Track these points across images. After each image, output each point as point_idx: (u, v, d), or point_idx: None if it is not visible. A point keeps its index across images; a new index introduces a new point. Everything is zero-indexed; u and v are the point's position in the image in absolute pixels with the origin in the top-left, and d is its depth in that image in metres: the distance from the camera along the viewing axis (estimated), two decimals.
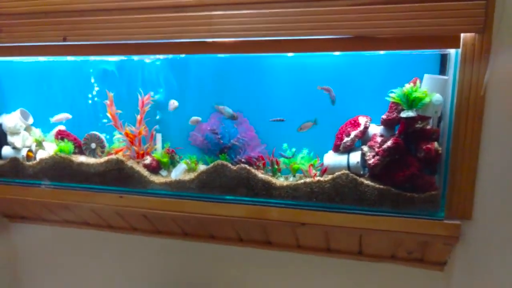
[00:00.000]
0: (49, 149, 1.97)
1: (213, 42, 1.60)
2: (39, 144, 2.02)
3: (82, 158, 1.92)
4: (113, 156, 1.84)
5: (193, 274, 2.17)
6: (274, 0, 1.49)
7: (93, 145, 1.93)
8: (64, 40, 1.72)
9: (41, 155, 1.97)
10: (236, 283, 2.12)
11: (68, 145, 1.93)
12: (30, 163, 1.96)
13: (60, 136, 1.98)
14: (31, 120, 2.05)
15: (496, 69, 1.38)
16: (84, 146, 1.96)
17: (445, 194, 1.52)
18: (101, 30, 1.66)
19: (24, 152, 1.99)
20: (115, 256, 2.27)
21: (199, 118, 1.80)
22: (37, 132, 2.05)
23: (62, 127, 2.03)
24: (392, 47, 1.46)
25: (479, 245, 1.62)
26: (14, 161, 1.98)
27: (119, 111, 1.87)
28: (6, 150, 2.02)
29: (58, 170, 1.92)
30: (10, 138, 1.99)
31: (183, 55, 1.77)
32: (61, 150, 1.93)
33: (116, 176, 1.84)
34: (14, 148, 2.00)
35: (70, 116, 1.99)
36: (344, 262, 1.89)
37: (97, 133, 1.93)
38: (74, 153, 1.97)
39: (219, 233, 1.97)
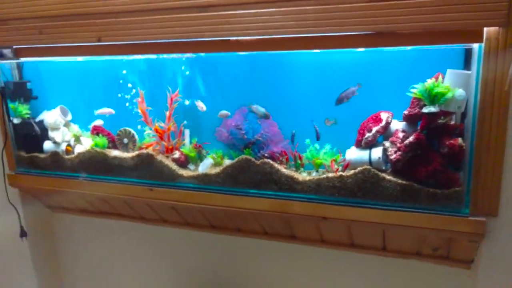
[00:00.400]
0: (86, 143, 2.09)
1: (236, 40, 1.64)
2: (77, 139, 2.14)
3: (115, 152, 2.02)
4: (144, 151, 1.93)
5: (220, 265, 2.24)
6: None
7: (126, 140, 2.03)
8: (99, 40, 1.82)
9: (78, 149, 2.09)
10: (261, 275, 2.17)
11: (102, 140, 2.04)
12: (69, 156, 2.09)
13: (96, 131, 2.10)
14: (69, 117, 2.19)
15: None
16: (117, 141, 2.06)
17: (470, 190, 1.50)
18: (131, 30, 1.74)
19: (63, 146, 2.12)
20: (147, 246, 2.38)
21: (228, 113, 1.86)
22: (75, 128, 2.18)
23: (100, 122, 2.14)
24: (414, 42, 1.45)
25: (506, 242, 1.58)
26: (54, 155, 2.11)
27: (149, 108, 1.96)
28: (47, 145, 2.16)
29: (94, 164, 2.04)
30: (50, 133, 2.13)
31: (203, 54, 1.84)
32: (96, 145, 2.04)
33: (147, 169, 1.94)
34: (55, 142, 2.13)
35: (113, 112, 2.08)
36: (368, 257, 1.90)
37: (129, 128, 2.02)
38: (108, 147, 2.08)
39: (245, 226, 2.02)
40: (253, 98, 1.82)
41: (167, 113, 1.92)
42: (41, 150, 2.18)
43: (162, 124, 1.93)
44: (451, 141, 1.49)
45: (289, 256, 2.06)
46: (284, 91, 1.80)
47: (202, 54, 1.82)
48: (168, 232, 2.25)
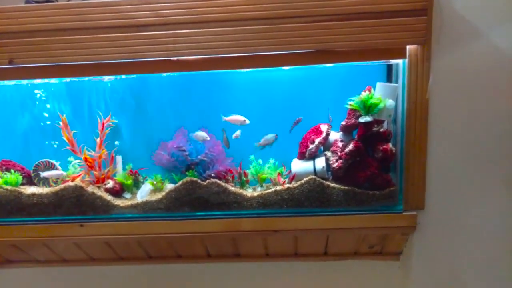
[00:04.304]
0: None
1: (177, 60, 1.61)
2: None
3: (33, 189, 1.78)
4: (71, 183, 1.73)
5: None
6: (237, 18, 1.55)
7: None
8: (10, 63, 1.60)
9: None
10: None
11: (15, 176, 1.78)
12: None
13: (5, 167, 1.82)
14: None
15: (437, 74, 1.59)
16: (34, 175, 1.82)
17: (402, 188, 1.69)
18: (53, 51, 1.58)
19: None
20: None
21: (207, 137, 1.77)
22: None
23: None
24: (348, 59, 1.60)
25: (431, 232, 1.81)
26: None
27: (75, 131, 1.78)
28: None
29: (4, 204, 1.76)
30: None
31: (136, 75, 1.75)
32: (6, 183, 1.77)
33: (75, 204, 1.74)
34: None
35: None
36: (310, 264, 1.98)
37: (50, 160, 1.80)
38: (22, 184, 1.82)
39: (187, 252, 1.95)
40: (191, 118, 1.80)
41: (98, 140, 1.76)
42: None
43: (92, 153, 1.77)
44: (384, 146, 1.67)
45: (233, 276, 2.04)
46: (223, 109, 1.80)
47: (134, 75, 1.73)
48: (96, 271, 2.04)
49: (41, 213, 1.76)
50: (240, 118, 1.77)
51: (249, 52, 1.57)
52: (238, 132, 1.75)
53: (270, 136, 1.78)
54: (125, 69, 1.63)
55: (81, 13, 1.56)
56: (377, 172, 1.67)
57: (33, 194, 1.75)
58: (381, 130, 1.69)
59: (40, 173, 1.81)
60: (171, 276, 2.06)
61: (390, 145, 1.68)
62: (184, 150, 1.73)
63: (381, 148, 1.66)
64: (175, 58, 1.60)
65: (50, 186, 1.81)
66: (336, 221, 1.70)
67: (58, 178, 1.80)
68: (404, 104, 1.63)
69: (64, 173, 1.82)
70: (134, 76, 1.74)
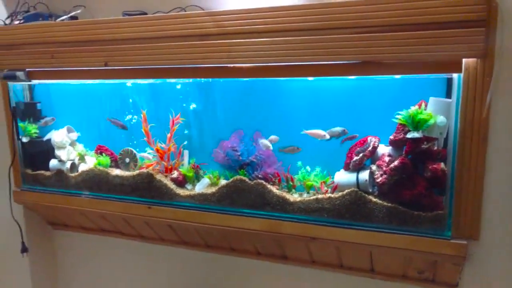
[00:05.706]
0: (90, 162, 2.19)
1: (233, 67, 1.76)
2: (82, 158, 2.24)
3: (117, 171, 2.11)
4: (144, 170, 2.02)
5: (214, 284, 2.28)
6: (287, 29, 1.62)
7: (127, 160, 2.13)
8: (106, 65, 1.94)
9: (82, 167, 2.19)
10: None
11: (106, 159, 2.14)
12: (73, 174, 2.19)
13: (99, 151, 2.20)
14: (75, 136, 2.29)
15: (498, 92, 1.44)
16: (119, 160, 2.16)
17: (452, 213, 1.56)
18: (136, 56, 1.86)
19: (68, 164, 2.22)
20: (145, 264, 2.43)
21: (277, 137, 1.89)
22: (80, 147, 2.28)
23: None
24: (397, 71, 1.55)
25: (487, 266, 1.62)
26: (59, 172, 2.21)
27: (152, 124, 2.07)
28: (53, 163, 2.26)
29: (96, 182, 2.13)
30: (57, 152, 2.23)
31: (209, 79, 1.95)
32: (99, 164, 2.14)
33: (146, 188, 2.02)
34: (60, 161, 2.23)
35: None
36: (356, 279, 1.94)
37: (131, 148, 2.12)
38: (111, 166, 2.17)
39: (239, 246, 2.08)
40: (249, 121, 1.93)
41: (168, 135, 2.02)
42: (46, 168, 2.28)
43: (163, 145, 2.03)
44: (434, 166, 1.56)
45: (280, 277, 2.10)
46: (279, 115, 1.89)
47: (203, 79, 1.93)
48: (166, 250, 2.31)
49: (122, 192, 2.09)
50: (321, 132, 1.80)
51: (297, 61, 1.62)
52: (273, 137, 1.82)
53: (337, 128, 1.77)
54: (189, 74, 1.84)
55: (157, 24, 1.81)
56: (424, 191, 1.58)
57: (117, 176, 2.09)
58: (433, 148, 1.59)
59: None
60: (225, 267, 2.21)
61: (442, 165, 1.57)
62: (236, 150, 1.87)
63: (430, 167, 1.57)
64: (231, 65, 1.75)
65: (131, 169, 2.13)
66: (376, 237, 1.65)
67: (136, 164, 2.11)
68: (458, 122, 1.50)
69: (151, 157, 2.12)
70: (204, 80, 1.96)
